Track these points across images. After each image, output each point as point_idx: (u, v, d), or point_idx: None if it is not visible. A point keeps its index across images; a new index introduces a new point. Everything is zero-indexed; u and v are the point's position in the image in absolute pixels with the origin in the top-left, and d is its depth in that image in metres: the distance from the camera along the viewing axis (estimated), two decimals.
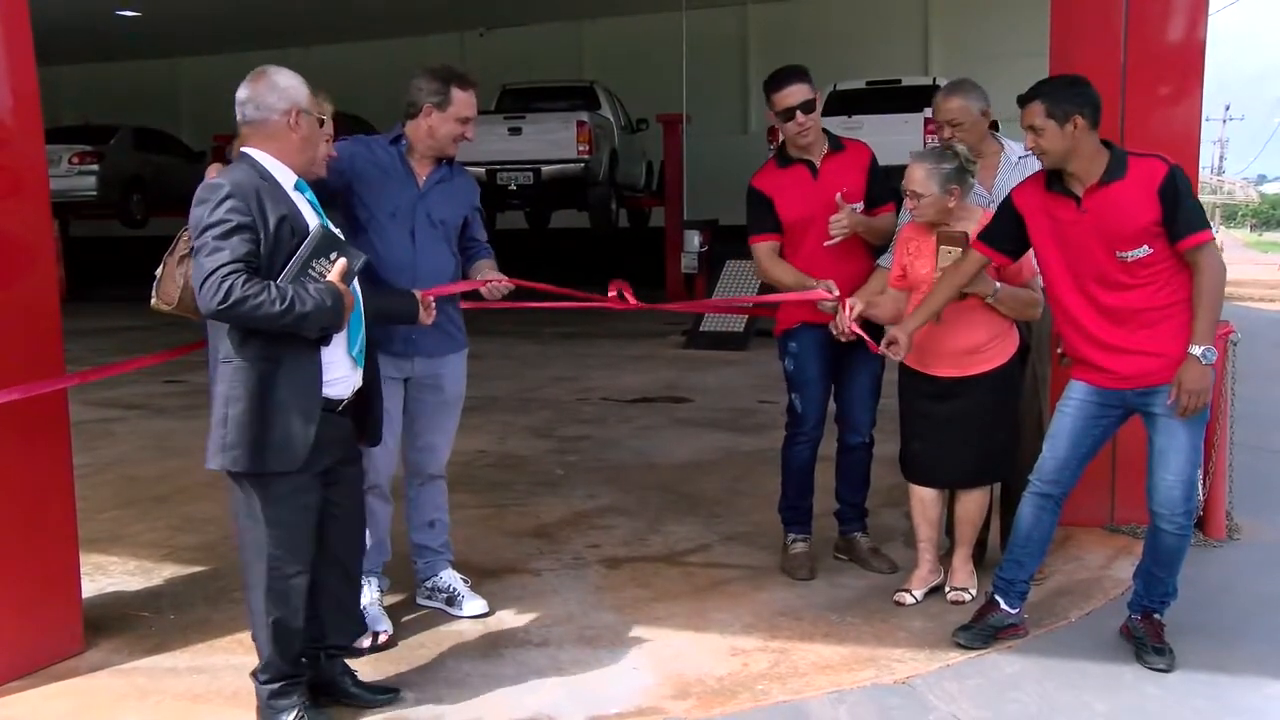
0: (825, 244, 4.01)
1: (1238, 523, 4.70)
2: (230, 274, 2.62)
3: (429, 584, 3.89)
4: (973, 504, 3.92)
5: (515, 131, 12.99)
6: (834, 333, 3.88)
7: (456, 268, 3.73)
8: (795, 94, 3.99)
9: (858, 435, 4.25)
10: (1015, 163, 4.00)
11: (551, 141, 12.97)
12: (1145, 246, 3.24)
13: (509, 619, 3.79)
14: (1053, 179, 3.38)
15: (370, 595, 3.68)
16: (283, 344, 2.75)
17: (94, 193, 14.73)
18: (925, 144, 4.38)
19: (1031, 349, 3.97)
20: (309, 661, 3.05)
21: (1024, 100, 3.34)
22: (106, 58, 20.57)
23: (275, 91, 2.84)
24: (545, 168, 12.94)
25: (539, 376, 9.11)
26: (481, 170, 11.98)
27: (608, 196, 14.05)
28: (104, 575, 4.22)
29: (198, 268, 2.68)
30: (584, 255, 16.60)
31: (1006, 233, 3.51)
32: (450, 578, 3.88)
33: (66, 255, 14.45)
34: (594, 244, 15.66)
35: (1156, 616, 3.47)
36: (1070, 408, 3.46)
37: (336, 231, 2.92)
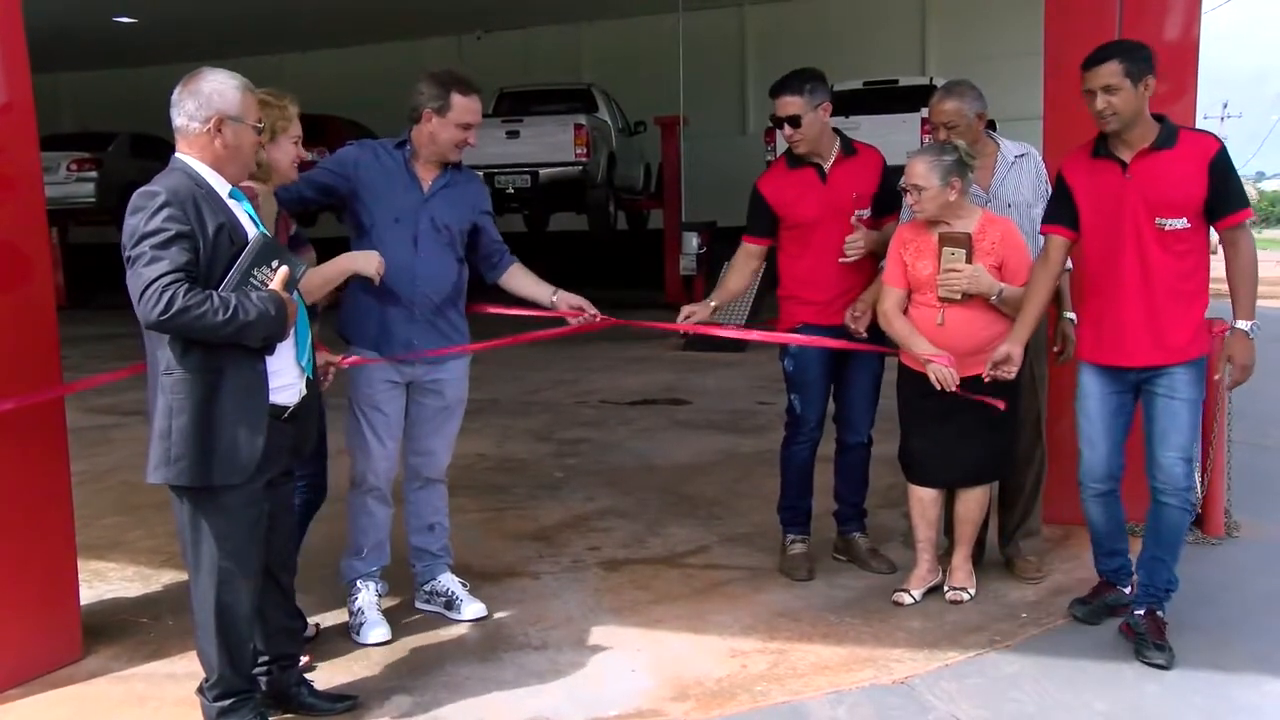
0: (840, 260, 4.01)
1: (1236, 520, 4.69)
2: (171, 284, 2.54)
3: (428, 587, 3.88)
4: (973, 503, 3.92)
5: (513, 135, 12.98)
6: (938, 388, 3.69)
7: (461, 274, 3.73)
8: (785, 106, 4.00)
9: (857, 435, 4.25)
10: (1012, 162, 4.01)
11: (549, 144, 12.96)
12: (1185, 219, 3.31)
13: (508, 622, 3.79)
14: (1099, 146, 3.43)
15: (369, 599, 3.69)
16: (225, 353, 2.68)
17: (92, 199, 14.72)
18: (922, 144, 4.41)
19: (1029, 348, 3.95)
20: (265, 675, 3.04)
21: (1097, 60, 3.33)
22: (104, 64, 20.61)
23: (197, 98, 2.73)
24: (543, 170, 12.94)
25: (538, 379, 9.11)
26: (479, 173, 11.96)
27: (606, 199, 14.04)
28: (102, 582, 4.22)
29: (136, 277, 2.58)
30: (582, 258, 16.62)
31: (1067, 209, 3.52)
32: (449, 581, 3.88)
33: (65, 262, 14.47)
34: (592, 246, 15.65)
35: (1160, 614, 3.48)
36: (1092, 405, 3.54)
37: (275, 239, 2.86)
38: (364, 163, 3.62)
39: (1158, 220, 3.31)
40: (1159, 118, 3.37)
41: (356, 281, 3.61)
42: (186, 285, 2.57)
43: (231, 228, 2.72)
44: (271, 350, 2.76)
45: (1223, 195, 3.30)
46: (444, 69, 3.71)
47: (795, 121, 3.99)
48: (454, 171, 3.71)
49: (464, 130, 3.60)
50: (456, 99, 3.57)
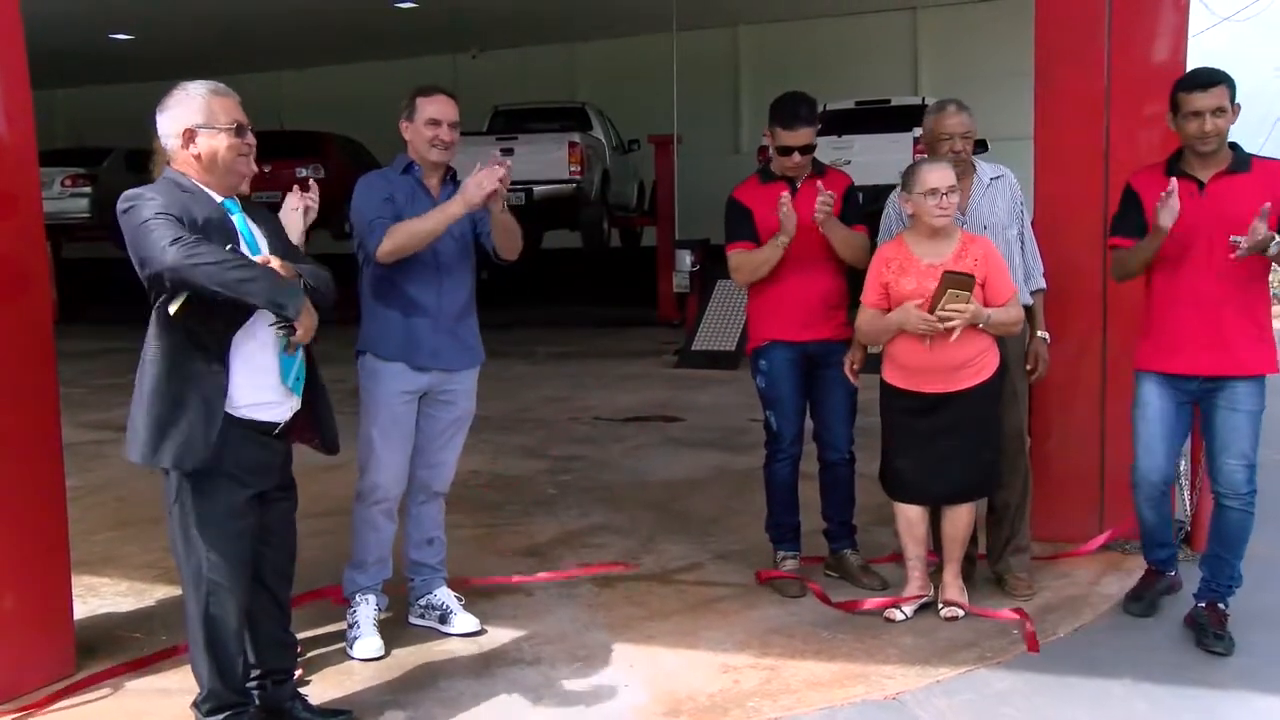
0: (813, 216, 4.01)
1: None
2: (177, 238, 2.63)
3: (423, 602, 3.89)
4: (960, 520, 3.94)
5: (507, 152, 12.99)
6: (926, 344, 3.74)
7: (474, 281, 3.83)
8: (802, 137, 4.09)
9: (836, 452, 4.27)
10: (987, 184, 4.07)
11: (543, 162, 12.99)
12: None
13: (501, 637, 3.79)
14: (1173, 166, 3.59)
15: (367, 613, 3.70)
16: (193, 344, 2.74)
17: (87, 214, 14.71)
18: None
19: (1010, 362, 3.98)
20: (258, 689, 3.04)
21: (1206, 83, 3.48)
22: (100, 81, 20.63)
23: (167, 114, 2.81)
24: (537, 188, 12.96)
25: (532, 396, 9.12)
26: None
27: (600, 216, 14.07)
28: (96, 597, 4.22)
29: (145, 241, 2.65)
30: (576, 275, 16.66)
31: (1137, 220, 3.65)
32: (444, 595, 3.89)
33: (59, 277, 14.44)
34: (586, 264, 15.68)
35: (1221, 606, 3.63)
36: (1153, 413, 3.68)
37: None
38: (390, 190, 3.67)
39: (1232, 238, 3.45)
40: (1231, 144, 3.56)
41: (375, 298, 3.66)
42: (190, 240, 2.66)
43: (220, 221, 2.79)
44: (227, 345, 2.77)
45: None
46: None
47: (808, 150, 4.11)
48: (454, 184, 3.77)
49: (434, 127, 3.65)
50: (419, 101, 3.67)
